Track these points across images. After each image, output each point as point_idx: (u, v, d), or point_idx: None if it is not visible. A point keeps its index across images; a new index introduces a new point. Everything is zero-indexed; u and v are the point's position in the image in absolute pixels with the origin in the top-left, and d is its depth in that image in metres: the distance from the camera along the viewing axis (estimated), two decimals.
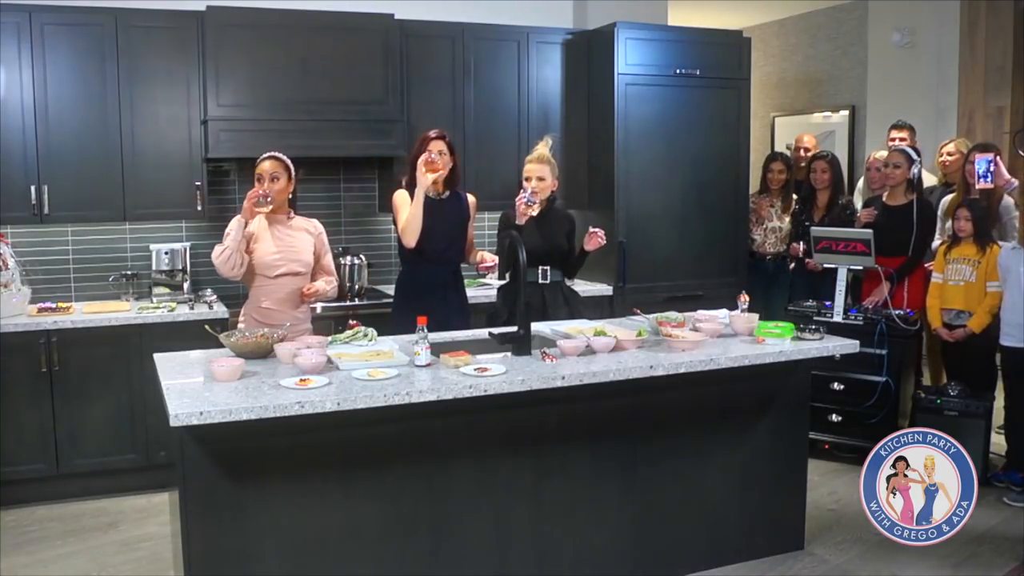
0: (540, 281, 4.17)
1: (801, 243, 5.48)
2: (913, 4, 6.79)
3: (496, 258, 4.11)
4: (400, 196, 4.04)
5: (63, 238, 4.79)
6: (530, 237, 4.01)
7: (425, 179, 3.85)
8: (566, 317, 4.05)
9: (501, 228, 4.20)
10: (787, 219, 5.70)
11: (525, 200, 3.91)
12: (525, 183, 4.07)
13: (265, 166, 3.74)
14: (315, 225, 3.94)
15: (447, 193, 4.09)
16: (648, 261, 5.32)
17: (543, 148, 4.16)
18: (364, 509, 3.03)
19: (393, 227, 5.39)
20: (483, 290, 4.94)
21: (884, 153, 5.46)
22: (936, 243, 5.06)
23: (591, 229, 4.09)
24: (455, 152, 4.06)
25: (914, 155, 5.09)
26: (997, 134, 6.35)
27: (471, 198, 4.20)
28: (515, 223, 3.97)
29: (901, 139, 5.63)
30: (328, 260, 3.97)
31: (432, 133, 4.01)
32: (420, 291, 4.07)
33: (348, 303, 4.81)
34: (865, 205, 5.41)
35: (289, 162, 3.80)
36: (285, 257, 3.76)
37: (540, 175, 4.08)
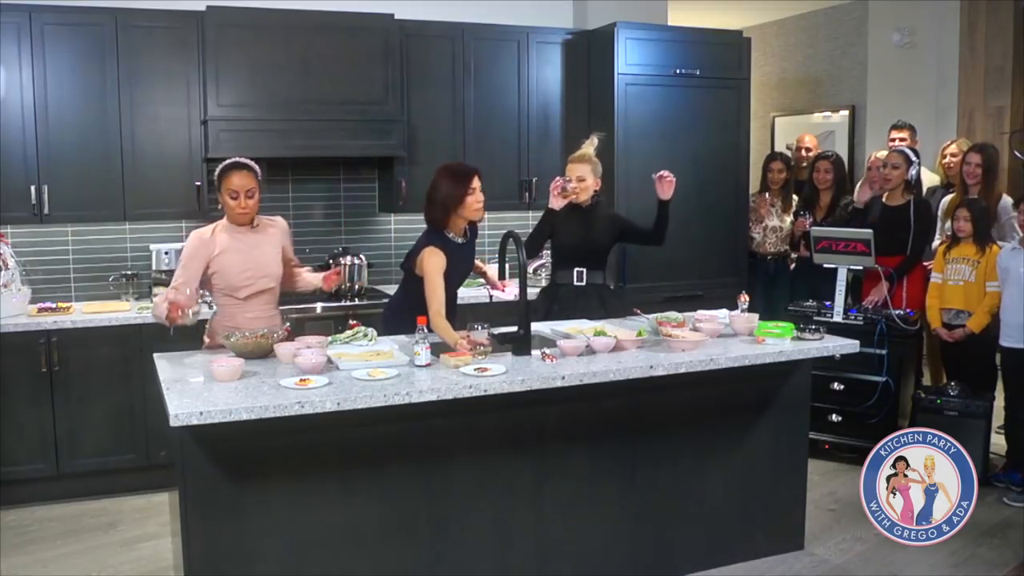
0: (575, 283, 3.99)
1: (807, 214, 5.47)
2: (913, 4, 6.79)
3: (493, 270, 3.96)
4: (433, 262, 3.47)
5: (63, 238, 4.79)
6: (570, 235, 3.97)
7: (465, 355, 3.17)
8: None
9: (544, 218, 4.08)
10: (787, 219, 5.70)
11: (562, 185, 3.87)
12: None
13: (238, 182, 3.36)
14: (279, 222, 3.63)
15: (469, 235, 3.76)
16: (648, 261, 5.30)
17: (588, 147, 4.06)
18: (364, 509, 3.03)
19: (393, 228, 5.50)
20: (482, 291, 4.92)
21: (885, 153, 5.46)
22: (936, 243, 5.07)
23: (657, 174, 3.92)
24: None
25: (912, 156, 5.09)
26: (997, 134, 6.35)
27: None
28: (551, 208, 3.95)
29: (901, 139, 5.63)
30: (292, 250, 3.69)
31: (473, 177, 3.59)
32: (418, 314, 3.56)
33: (348, 303, 4.81)
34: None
35: (255, 166, 3.44)
36: (254, 274, 3.46)
37: (580, 175, 4.00)
